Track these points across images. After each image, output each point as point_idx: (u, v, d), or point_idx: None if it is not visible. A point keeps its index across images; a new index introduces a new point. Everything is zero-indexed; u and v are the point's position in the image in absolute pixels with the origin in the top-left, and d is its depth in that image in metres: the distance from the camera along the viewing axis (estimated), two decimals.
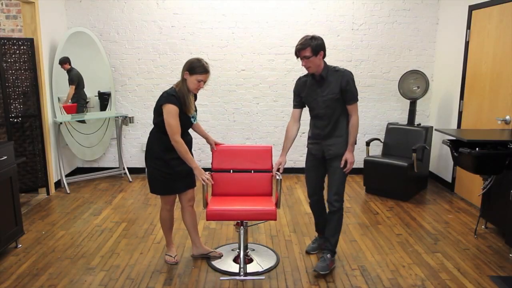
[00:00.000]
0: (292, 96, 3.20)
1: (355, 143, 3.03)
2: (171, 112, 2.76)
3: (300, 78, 3.11)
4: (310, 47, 2.79)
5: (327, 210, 3.10)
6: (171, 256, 3.16)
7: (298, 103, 3.15)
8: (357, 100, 2.97)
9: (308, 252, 3.31)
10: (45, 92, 4.62)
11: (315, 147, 3.09)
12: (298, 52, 2.84)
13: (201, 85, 2.86)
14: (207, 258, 3.20)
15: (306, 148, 3.22)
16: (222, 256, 3.20)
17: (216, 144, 3.23)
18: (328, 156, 3.03)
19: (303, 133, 5.43)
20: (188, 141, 2.99)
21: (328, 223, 3.09)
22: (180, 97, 2.82)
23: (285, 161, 3.12)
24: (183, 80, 2.85)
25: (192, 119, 2.97)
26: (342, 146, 2.99)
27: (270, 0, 5.21)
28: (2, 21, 5.74)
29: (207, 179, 2.86)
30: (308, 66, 2.86)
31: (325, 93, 2.92)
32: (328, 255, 3.05)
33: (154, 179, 2.98)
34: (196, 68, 2.80)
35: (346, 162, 2.97)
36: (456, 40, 4.81)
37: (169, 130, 2.79)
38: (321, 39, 2.86)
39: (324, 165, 3.12)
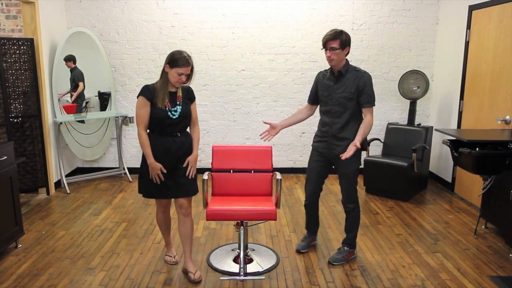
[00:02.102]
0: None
1: (363, 149, 2.99)
2: (138, 102, 2.77)
3: (320, 72, 3.14)
4: (340, 40, 2.84)
5: (344, 210, 3.21)
6: (171, 256, 3.16)
7: (313, 99, 3.17)
8: (373, 104, 2.95)
9: (298, 251, 3.32)
10: (45, 92, 4.62)
11: (322, 145, 3.09)
12: (327, 43, 2.86)
13: (182, 79, 2.73)
14: (207, 259, 3.20)
15: (306, 148, 3.22)
16: (197, 280, 2.88)
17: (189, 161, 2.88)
18: (332, 155, 3.04)
19: (303, 133, 5.43)
20: (182, 142, 2.83)
21: (345, 221, 3.23)
22: (155, 89, 2.75)
23: (278, 130, 3.18)
24: (163, 72, 2.76)
25: (170, 113, 2.76)
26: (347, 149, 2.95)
27: (270, 0, 5.21)
28: (2, 21, 5.74)
29: (155, 177, 2.77)
30: (332, 58, 2.88)
31: (341, 90, 2.94)
32: (346, 248, 3.20)
33: (140, 177, 2.95)
34: (177, 60, 2.68)
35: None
36: (456, 40, 4.81)
37: (135, 120, 2.82)
38: (349, 36, 2.91)
39: (329, 166, 3.13)
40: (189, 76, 2.78)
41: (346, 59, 2.96)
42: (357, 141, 2.83)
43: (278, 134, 3.15)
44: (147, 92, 2.75)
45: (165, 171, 2.79)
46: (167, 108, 2.75)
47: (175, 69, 2.70)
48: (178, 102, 2.81)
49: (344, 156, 2.83)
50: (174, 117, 2.77)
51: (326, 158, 3.11)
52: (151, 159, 2.77)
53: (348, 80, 2.93)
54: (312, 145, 3.22)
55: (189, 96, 2.90)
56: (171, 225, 3.22)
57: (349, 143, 2.91)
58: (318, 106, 3.17)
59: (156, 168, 2.77)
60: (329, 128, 3.02)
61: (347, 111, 2.95)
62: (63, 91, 5.00)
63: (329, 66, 3.00)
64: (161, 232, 3.20)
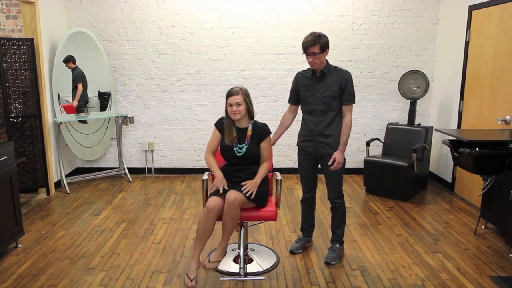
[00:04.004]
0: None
1: (346, 144, 3.07)
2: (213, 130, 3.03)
3: (299, 72, 3.17)
4: (320, 44, 2.89)
5: (330, 206, 3.25)
6: (189, 279, 2.73)
7: (295, 99, 3.21)
8: (353, 101, 3.02)
9: (291, 252, 3.32)
10: (45, 92, 4.62)
11: (308, 144, 3.13)
12: (307, 49, 2.91)
13: (233, 109, 2.83)
14: (208, 258, 3.20)
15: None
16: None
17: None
18: (319, 153, 3.09)
19: None
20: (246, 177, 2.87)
21: (332, 218, 3.26)
22: (224, 123, 2.95)
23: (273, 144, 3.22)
24: (226, 109, 2.92)
25: (236, 149, 2.90)
26: (334, 145, 3.04)
27: (270, 0, 5.21)
28: (2, 21, 5.73)
29: (218, 186, 2.82)
30: (314, 62, 2.93)
31: (324, 89, 2.99)
32: (337, 245, 3.24)
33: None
34: (227, 93, 2.89)
35: (334, 160, 3.02)
36: (456, 40, 4.81)
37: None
38: (327, 37, 2.96)
39: (317, 163, 3.18)
40: (246, 105, 2.86)
41: (326, 59, 3.01)
42: (340, 151, 3.02)
43: None
44: (220, 124, 2.98)
45: (227, 187, 2.82)
46: (233, 144, 2.91)
47: (227, 101, 2.87)
48: (246, 142, 2.91)
49: (335, 168, 3.03)
50: (239, 154, 2.90)
51: (313, 156, 3.16)
52: (218, 173, 2.88)
53: (331, 80, 2.98)
54: (297, 145, 3.26)
55: (261, 135, 2.93)
56: (208, 237, 2.81)
57: (334, 140, 3.03)
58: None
59: (222, 182, 2.82)
60: (315, 127, 3.06)
61: (332, 109, 3.01)
62: (74, 99, 5.05)
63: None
64: (195, 238, 2.85)
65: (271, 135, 3.12)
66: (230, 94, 2.85)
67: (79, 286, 2.83)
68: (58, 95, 4.87)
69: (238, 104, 2.82)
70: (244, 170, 2.92)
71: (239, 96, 2.83)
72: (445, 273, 3.01)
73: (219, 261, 2.85)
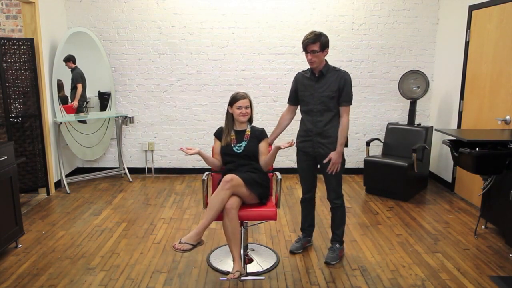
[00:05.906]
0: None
1: (345, 146, 3.06)
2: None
3: (299, 73, 3.18)
4: (320, 42, 2.90)
5: (330, 207, 3.25)
6: (232, 273, 2.67)
7: (294, 100, 3.22)
8: (350, 103, 3.02)
9: (291, 252, 3.32)
10: (45, 92, 4.62)
11: (307, 144, 3.14)
12: (307, 46, 2.91)
13: (242, 111, 2.98)
14: (207, 259, 3.20)
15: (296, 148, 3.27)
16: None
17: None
18: (318, 153, 3.10)
19: None
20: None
21: (332, 218, 3.26)
22: (222, 129, 3.10)
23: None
24: (227, 114, 3.08)
25: (234, 148, 3.01)
26: (332, 146, 3.04)
27: (270, 0, 5.21)
28: (2, 21, 5.74)
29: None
30: (313, 60, 2.93)
31: (323, 89, 3.00)
32: (337, 245, 3.25)
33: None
34: (234, 97, 3.02)
35: (329, 161, 3.02)
36: (456, 40, 4.81)
37: None
38: (327, 37, 2.96)
39: (316, 163, 3.19)
40: (250, 108, 3.04)
41: (325, 60, 3.02)
42: (337, 152, 3.00)
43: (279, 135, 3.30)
44: (217, 131, 3.14)
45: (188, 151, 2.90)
46: (232, 144, 3.02)
47: (234, 105, 2.99)
48: (244, 140, 3.03)
49: (334, 170, 3.03)
50: (238, 151, 3.00)
51: (311, 157, 3.16)
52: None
53: (330, 80, 2.98)
54: (296, 146, 3.25)
55: (259, 136, 3.05)
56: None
57: (333, 140, 3.03)
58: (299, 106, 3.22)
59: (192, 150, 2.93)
60: (313, 127, 3.07)
61: (329, 109, 3.01)
62: (73, 99, 5.06)
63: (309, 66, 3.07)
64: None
65: (269, 136, 3.16)
66: (239, 97, 2.98)
67: (79, 286, 2.83)
68: (59, 98, 4.86)
69: (247, 107, 3.00)
70: (244, 166, 2.97)
71: (247, 100, 3.01)
72: (445, 273, 3.01)
73: (192, 245, 2.69)
